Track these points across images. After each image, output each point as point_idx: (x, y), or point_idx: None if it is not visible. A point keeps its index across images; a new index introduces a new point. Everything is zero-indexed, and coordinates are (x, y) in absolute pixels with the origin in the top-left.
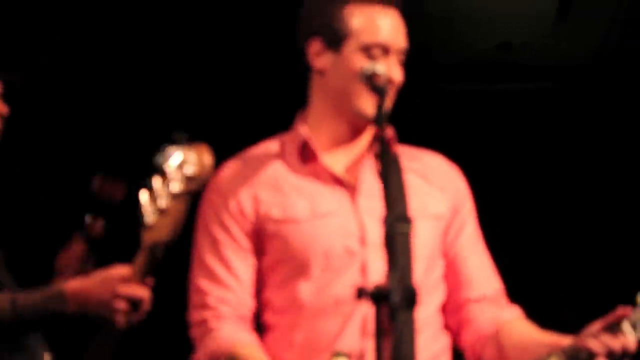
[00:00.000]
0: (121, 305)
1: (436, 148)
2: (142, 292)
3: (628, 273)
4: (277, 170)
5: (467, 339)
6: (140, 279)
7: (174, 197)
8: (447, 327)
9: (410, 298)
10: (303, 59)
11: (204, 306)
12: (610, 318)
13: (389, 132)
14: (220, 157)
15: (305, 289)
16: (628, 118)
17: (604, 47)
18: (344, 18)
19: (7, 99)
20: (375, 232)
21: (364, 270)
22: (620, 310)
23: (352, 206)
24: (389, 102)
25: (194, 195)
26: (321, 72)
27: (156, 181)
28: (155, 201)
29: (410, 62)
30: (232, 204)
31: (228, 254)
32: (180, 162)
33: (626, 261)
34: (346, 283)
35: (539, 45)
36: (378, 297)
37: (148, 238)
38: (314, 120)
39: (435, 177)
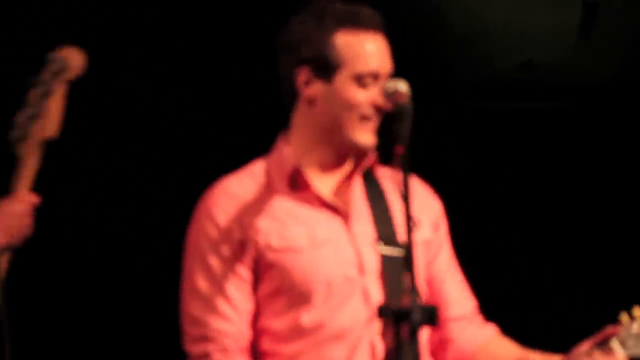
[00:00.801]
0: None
1: (458, 166)
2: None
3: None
4: (270, 198)
5: (448, 359)
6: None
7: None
8: (427, 346)
9: (430, 316)
10: (287, 84)
11: (205, 339)
12: (598, 337)
13: (373, 155)
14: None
15: (308, 318)
16: None
17: (626, 66)
18: (334, 47)
19: None
20: (371, 259)
21: (366, 297)
22: (609, 329)
23: (347, 233)
24: (373, 127)
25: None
26: (310, 101)
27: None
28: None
29: (433, 80)
30: (229, 235)
31: (226, 284)
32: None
33: (624, 279)
34: (349, 312)
35: (562, 63)
36: (399, 316)
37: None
38: (300, 145)
39: (418, 201)
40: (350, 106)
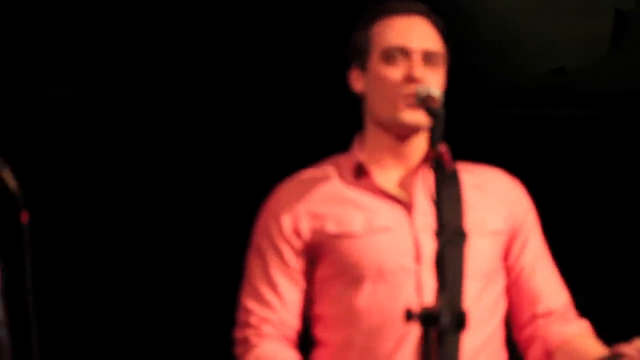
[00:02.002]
0: None
1: None
2: None
3: None
4: (332, 187)
5: (536, 355)
6: None
7: None
8: (516, 343)
9: (459, 321)
10: (350, 88)
11: (247, 325)
12: None
13: (442, 147)
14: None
15: (359, 305)
16: None
17: None
18: (368, 37)
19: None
20: (431, 250)
21: (419, 288)
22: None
23: (409, 223)
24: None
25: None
26: (362, 96)
27: None
28: None
29: (465, 86)
30: (287, 224)
31: (276, 275)
32: None
33: None
34: (401, 300)
35: (593, 71)
36: (427, 319)
37: None
38: (367, 140)
39: (494, 192)
40: (383, 85)
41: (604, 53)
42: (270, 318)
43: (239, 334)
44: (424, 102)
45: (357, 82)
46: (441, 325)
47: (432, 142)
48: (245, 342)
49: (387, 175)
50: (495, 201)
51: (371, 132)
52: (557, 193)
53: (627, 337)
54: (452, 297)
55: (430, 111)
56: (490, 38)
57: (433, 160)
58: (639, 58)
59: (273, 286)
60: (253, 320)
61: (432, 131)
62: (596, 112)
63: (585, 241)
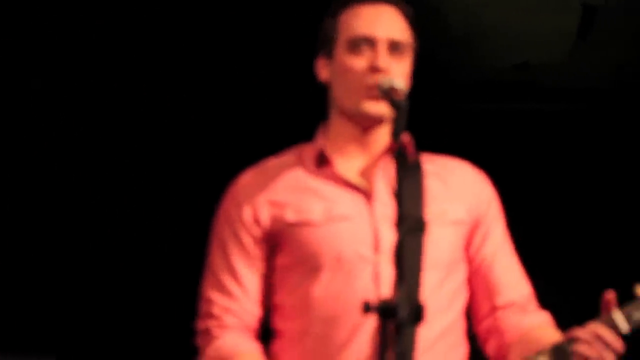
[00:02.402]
0: None
1: None
2: None
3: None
4: (293, 175)
5: (493, 347)
6: None
7: None
8: (475, 334)
9: (417, 313)
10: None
11: (209, 315)
12: (602, 307)
13: (406, 137)
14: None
15: (316, 294)
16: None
17: (623, 69)
18: (335, 26)
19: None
20: (390, 239)
21: (376, 278)
22: (608, 294)
23: (369, 212)
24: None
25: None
26: (327, 85)
27: None
28: None
29: (430, 79)
30: (247, 212)
31: (237, 263)
32: None
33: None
34: (358, 290)
35: (558, 66)
36: (385, 311)
37: None
38: (331, 129)
39: (457, 183)
40: (347, 74)
41: (569, 48)
42: (232, 308)
43: (200, 325)
44: (386, 94)
45: (323, 71)
46: (399, 318)
47: (394, 134)
48: (207, 333)
49: (349, 165)
50: (458, 191)
51: (335, 121)
52: (521, 186)
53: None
54: (410, 288)
55: (393, 103)
56: (457, 32)
57: (394, 152)
58: (604, 53)
59: (235, 275)
60: (215, 310)
61: (395, 122)
62: (561, 106)
63: (547, 232)
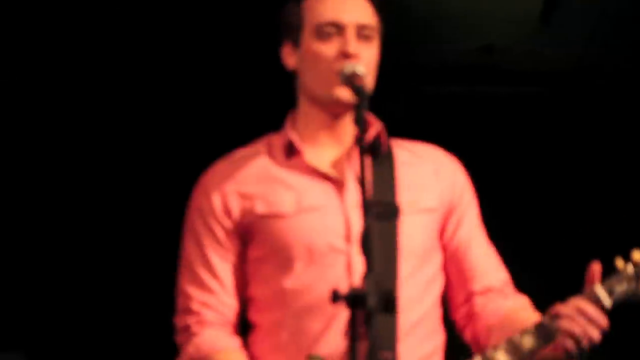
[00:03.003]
0: None
1: None
2: None
3: None
4: (263, 167)
5: (472, 332)
6: None
7: None
8: (454, 321)
9: (388, 302)
10: (283, 64)
11: (188, 311)
12: (586, 280)
13: (378, 125)
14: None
15: (289, 285)
16: (609, 124)
17: (586, 52)
18: (300, 12)
19: None
20: (359, 228)
21: (349, 268)
22: (594, 266)
23: (340, 201)
24: (370, 80)
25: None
26: (295, 72)
27: None
28: None
29: (392, 64)
30: (217, 204)
31: (212, 256)
32: None
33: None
34: (331, 281)
35: (522, 48)
36: (354, 300)
37: None
38: (299, 118)
39: (430, 170)
40: (316, 62)
41: (532, 31)
42: (211, 302)
43: (179, 321)
44: (348, 80)
45: (290, 59)
46: (368, 307)
47: (356, 120)
48: (187, 329)
49: (320, 154)
50: (431, 178)
51: (304, 110)
52: (485, 170)
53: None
54: (383, 276)
55: (355, 89)
56: (417, 15)
57: (357, 139)
58: (567, 35)
59: (211, 269)
60: (193, 305)
61: (356, 109)
62: (525, 89)
63: (514, 215)
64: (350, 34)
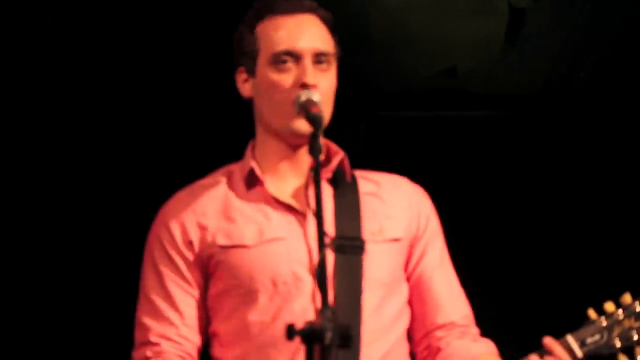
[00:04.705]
0: None
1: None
2: None
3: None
4: (224, 198)
5: None
6: None
7: None
8: (415, 354)
9: (344, 337)
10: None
11: (146, 343)
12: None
13: (341, 154)
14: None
15: (253, 319)
16: (572, 149)
17: (552, 75)
18: (254, 39)
19: None
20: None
21: (314, 299)
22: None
23: (302, 232)
24: (327, 110)
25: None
26: (251, 100)
27: None
28: None
29: (352, 89)
30: (177, 235)
31: (172, 288)
32: None
33: (578, 281)
34: (296, 312)
35: (486, 72)
36: (309, 336)
37: None
38: (259, 148)
39: (395, 200)
40: (273, 92)
41: (497, 53)
42: (169, 334)
43: (137, 354)
44: (303, 107)
45: (245, 87)
46: (325, 342)
47: (311, 149)
48: None
49: (281, 184)
50: (395, 208)
51: (262, 139)
52: (448, 195)
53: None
54: (348, 309)
55: (310, 117)
56: (377, 38)
57: (311, 168)
58: (532, 58)
59: (170, 300)
60: (151, 337)
61: (311, 137)
62: (488, 113)
63: (476, 240)
64: (307, 62)
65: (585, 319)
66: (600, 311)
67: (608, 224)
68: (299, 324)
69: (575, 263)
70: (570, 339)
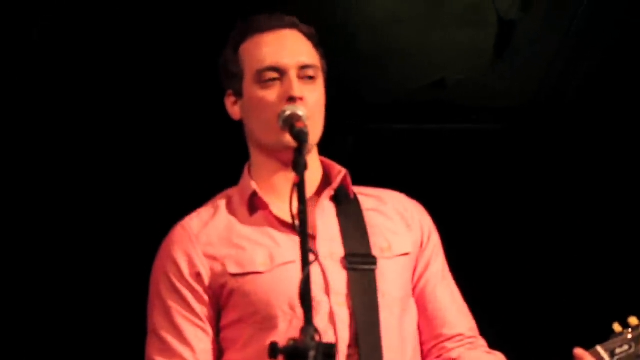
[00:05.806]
0: None
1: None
2: None
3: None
4: (227, 225)
5: None
6: None
7: None
8: None
9: (327, 355)
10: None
11: None
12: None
13: (343, 172)
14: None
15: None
16: (564, 161)
17: (542, 88)
18: (239, 60)
19: None
20: (338, 279)
21: (332, 319)
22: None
23: (314, 253)
24: (317, 124)
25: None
26: (241, 122)
27: None
28: None
29: (340, 102)
30: (185, 267)
31: (181, 322)
32: None
33: (573, 294)
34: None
35: (475, 84)
36: (292, 354)
37: None
38: (255, 169)
39: (397, 215)
40: (260, 109)
41: (487, 65)
42: None
43: None
44: (286, 123)
45: (234, 109)
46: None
47: (295, 164)
48: None
49: (283, 204)
50: (399, 224)
51: (258, 160)
52: (438, 208)
53: None
54: (367, 327)
55: (294, 132)
56: (367, 50)
57: (294, 184)
58: (522, 70)
59: (180, 335)
60: None
61: (296, 152)
62: (478, 125)
63: (467, 252)
64: (293, 76)
65: (611, 332)
66: (625, 325)
67: (603, 235)
68: (282, 342)
69: (565, 273)
70: (600, 349)
